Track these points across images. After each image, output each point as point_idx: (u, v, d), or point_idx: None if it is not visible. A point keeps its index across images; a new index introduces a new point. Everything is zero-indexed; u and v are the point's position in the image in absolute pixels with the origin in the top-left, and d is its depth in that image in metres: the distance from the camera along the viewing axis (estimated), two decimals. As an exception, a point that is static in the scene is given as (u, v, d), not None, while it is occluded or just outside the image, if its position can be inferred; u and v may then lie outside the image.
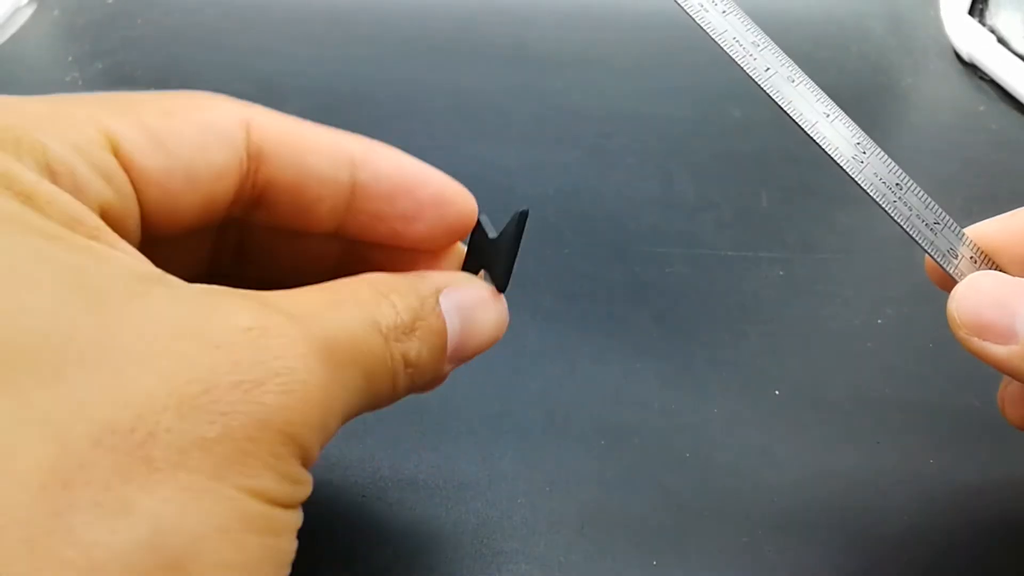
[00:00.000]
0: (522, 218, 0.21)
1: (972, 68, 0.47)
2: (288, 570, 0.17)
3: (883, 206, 0.24)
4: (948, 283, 0.24)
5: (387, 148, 0.23)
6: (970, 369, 0.32)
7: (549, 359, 0.32)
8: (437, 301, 0.21)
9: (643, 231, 0.37)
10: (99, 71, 0.45)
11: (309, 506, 0.26)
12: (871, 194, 0.24)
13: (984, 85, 0.46)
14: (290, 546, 0.17)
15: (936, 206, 0.24)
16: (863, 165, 0.24)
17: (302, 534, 0.26)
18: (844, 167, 0.24)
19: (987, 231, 0.25)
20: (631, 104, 0.44)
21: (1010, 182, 0.40)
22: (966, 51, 0.47)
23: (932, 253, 0.24)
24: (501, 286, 0.22)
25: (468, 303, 0.21)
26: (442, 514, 0.27)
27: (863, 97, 0.45)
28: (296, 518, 0.17)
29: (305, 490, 0.17)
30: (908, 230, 0.24)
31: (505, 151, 0.41)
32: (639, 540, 0.27)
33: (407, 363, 0.19)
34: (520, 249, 0.22)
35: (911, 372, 0.32)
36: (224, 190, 0.20)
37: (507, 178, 0.39)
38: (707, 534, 0.27)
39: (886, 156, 0.24)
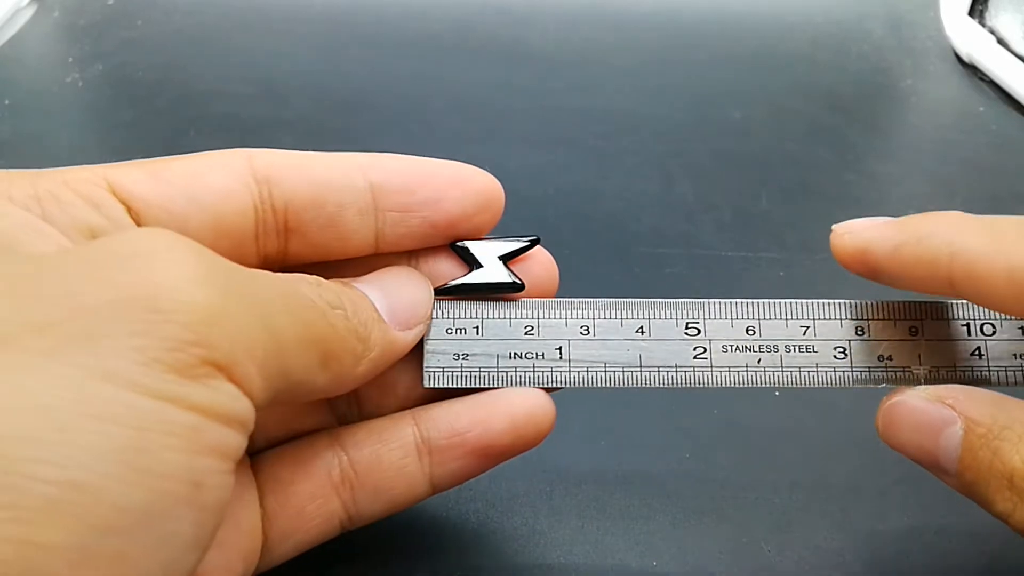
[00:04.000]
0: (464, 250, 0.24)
1: (972, 69, 0.47)
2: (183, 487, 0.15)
3: None
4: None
5: (395, 155, 0.24)
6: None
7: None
8: (343, 282, 0.22)
9: (643, 232, 0.38)
10: (99, 72, 0.45)
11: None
12: None
13: (984, 86, 0.46)
14: (171, 450, 0.14)
15: None
16: None
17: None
18: None
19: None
20: (631, 104, 0.44)
21: (1010, 182, 0.40)
22: (966, 52, 0.47)
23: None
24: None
25: (377, 277, 0.23)
26: (442, 514, 0.27)
27: (863, 98, 0.45)
28: (202, 423, 0.15)
29: (213, 393, 0.15)
30: None
31: (505, 152, 0.41)
32: (639, 541, 0.27)
33: (332, 305, 0.20)
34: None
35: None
36: (236, 211, 0.21)
37: (507, 179, 0.39)
38: (707, 535, 0.27)
39: None
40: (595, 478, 0.28)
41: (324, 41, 0.48)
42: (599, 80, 0.46)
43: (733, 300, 0.24)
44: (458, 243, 0.24)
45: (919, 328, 0.24)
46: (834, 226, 0.24)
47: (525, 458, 0.29)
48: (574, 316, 0.24)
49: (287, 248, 0.22)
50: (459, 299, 0.24)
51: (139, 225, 0.20)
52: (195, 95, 0.44)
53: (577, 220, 0.38)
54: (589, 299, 0.24)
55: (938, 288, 0.22)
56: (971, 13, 0.48)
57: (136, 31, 0.48)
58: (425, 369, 0.23)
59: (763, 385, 0.23)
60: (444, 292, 0.24)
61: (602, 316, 0.24)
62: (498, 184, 0.24)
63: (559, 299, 0.24)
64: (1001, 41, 0.46)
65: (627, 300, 0.24)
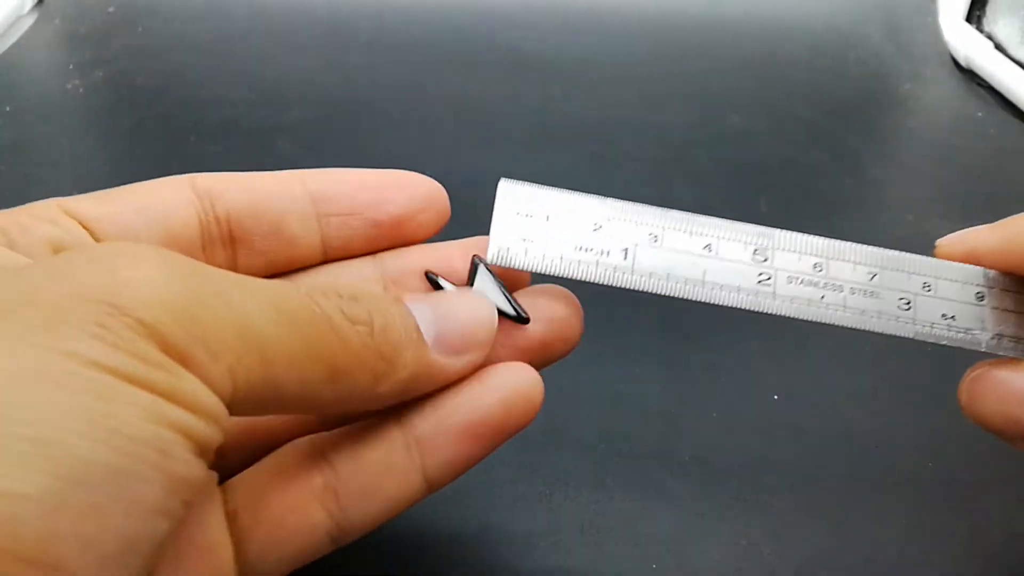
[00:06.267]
0: (474, 265, 0.23)
1: (970, 74, 0.47)
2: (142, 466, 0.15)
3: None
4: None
5: (335, 168, 0.25)
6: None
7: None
8: (395, 297, 0.21)
9: (642, 236, 0.38)
10: (100, 79, 0.45)
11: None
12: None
13: (982, 91, 0.46)
14: (135, 417, 0.15)
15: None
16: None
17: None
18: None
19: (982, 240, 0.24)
20: (631, 111, 0.44)
21: (1008, 186, 0.40)
22: (964, 57, 0.47)
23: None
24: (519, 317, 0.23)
25: (436, 296, 0.22)
26: (442, 519, 0.27)
27: (862, 104, 0.45)
28: (163, 404, 0.15)
29: (174, 380, 0.16)
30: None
31: (505, 158, 0.41)
32: (638, 544, 0.27)
33: (354, 320, 0.19)
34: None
35: (909, 375, 0.32)
36: (182, 223, 0.22)
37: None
38: (706, 537, 0.27)
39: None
40: (594, 481, 0.28)
41: (324, 47, 0.48)
42: (598, 86, 0.46)
43: (804, 234, 0.24)
44: (430, 274, 0.24)
45: (985, 295, 0.24)
46: (937, 241, 0.25)
47: (523, 461, 0.29)
48: (643, 222, 0.24)
49: (236, 258, 0.23)
50: (530, 186, 0.24)
51: (96, 240, 0.21)
52: (195, 101, 0.45)
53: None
54: (661, 208, 0.24)
55: None
56: (969, 19, 0.48)
57: (137, 38, 0.48)
58: (491, 245, 0.23)
59: (824, 321, 0.23)
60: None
61: (671, 227, 0.23)
62: (439, 187, 0.24)
63: (629, 202, 0.24)
64: (999, 46, 0.46)
65: (698, 216, 0.24)
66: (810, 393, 0.31)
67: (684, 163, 0.41)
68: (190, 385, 0.16)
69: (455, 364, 0.21)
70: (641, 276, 0.23)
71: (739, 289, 0.23)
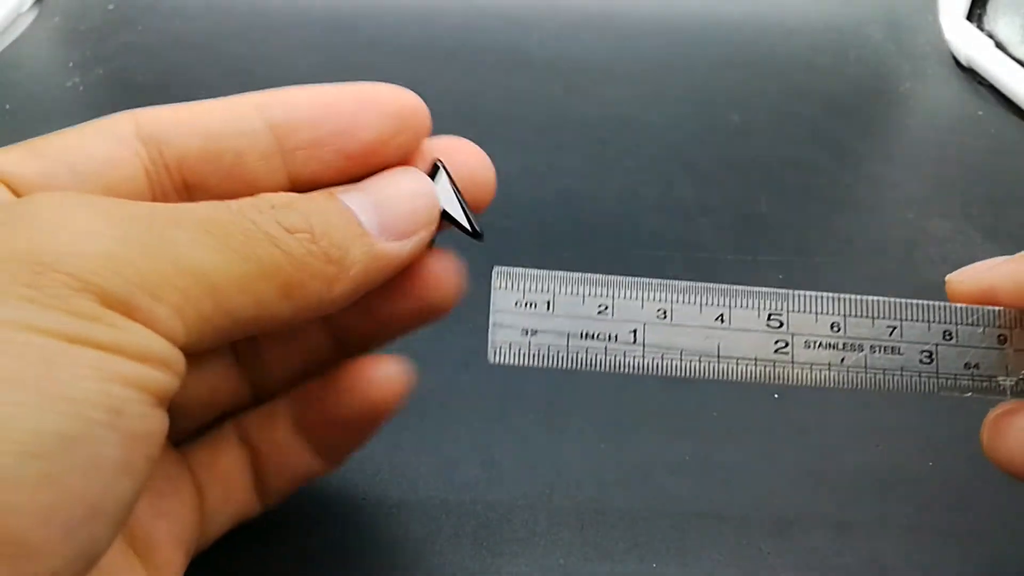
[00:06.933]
0: (435, 167, 0.22)
1: (971, 73, 0.47)
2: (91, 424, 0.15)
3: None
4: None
5: (295, 87, 0.22)
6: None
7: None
8: (327, 194, 0.20)
9: (643, 236, 0.38)
10: (100, 77, 0.45)
11: (309, 508, 0.26)
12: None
13: (983, 90, 0.46)
14: (82, 379, 0.15)
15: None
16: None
17: (301, 535, 0.26)
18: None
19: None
20: (631, 109, 0.44)
21: (1008, 186, 0.40)
22: (965, 56, 0.47)
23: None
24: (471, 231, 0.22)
25: (368, 183, 0.21)
26: (442, 516, 0.27)
27: (862, 102, 0.45)
28: (110, 359, 0.15)
29: (117, 333, 0.15)
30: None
31: (505, 156, 0.41)
32: (638, 542, 0.27)
33: (292, 229, 0.19)
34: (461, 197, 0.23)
35: (910, 375, 0.32)
36: (125, 178, 0.20)
37: (507, 183, 0.39)
38: (706, 536, 0.27)
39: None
40: (594, 480, 0.28)
41: (324, 46, 0.48)
42: (599, 84, 0.46)
43: (819, 293, 0.23)
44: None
45: (1008, 337, 0.22)
46: (948, 277, 0.23)
47: (524, 460, 0.29)
48: (651, 298, 0.22)
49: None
50: (529, 271, 0.23)
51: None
52: (195, 99, 0.44)
53: (576, 224, 0.38)
54: (667, 280, 0.23)
55: None
56: (969, 17, 0.48)
57: (136, 35, 0.48)
58: (491, 343, 0.22)
59: (846, 386, 0.22)
60: None
61: (680, 300, 0.22)
62: (418, 99, 0.22)
63: (635, 278, 0.23)
64: (999, 45, 0.46)
65: (707, 285, 0.23)
66: (810, 393, 0.31)
67: (684, 162, 0.41)
68: (136, 335, 0.16)
69: (405, 247, 0.21)
70: (653, 358, 0.22)
71: (755, 361, 0.22)
